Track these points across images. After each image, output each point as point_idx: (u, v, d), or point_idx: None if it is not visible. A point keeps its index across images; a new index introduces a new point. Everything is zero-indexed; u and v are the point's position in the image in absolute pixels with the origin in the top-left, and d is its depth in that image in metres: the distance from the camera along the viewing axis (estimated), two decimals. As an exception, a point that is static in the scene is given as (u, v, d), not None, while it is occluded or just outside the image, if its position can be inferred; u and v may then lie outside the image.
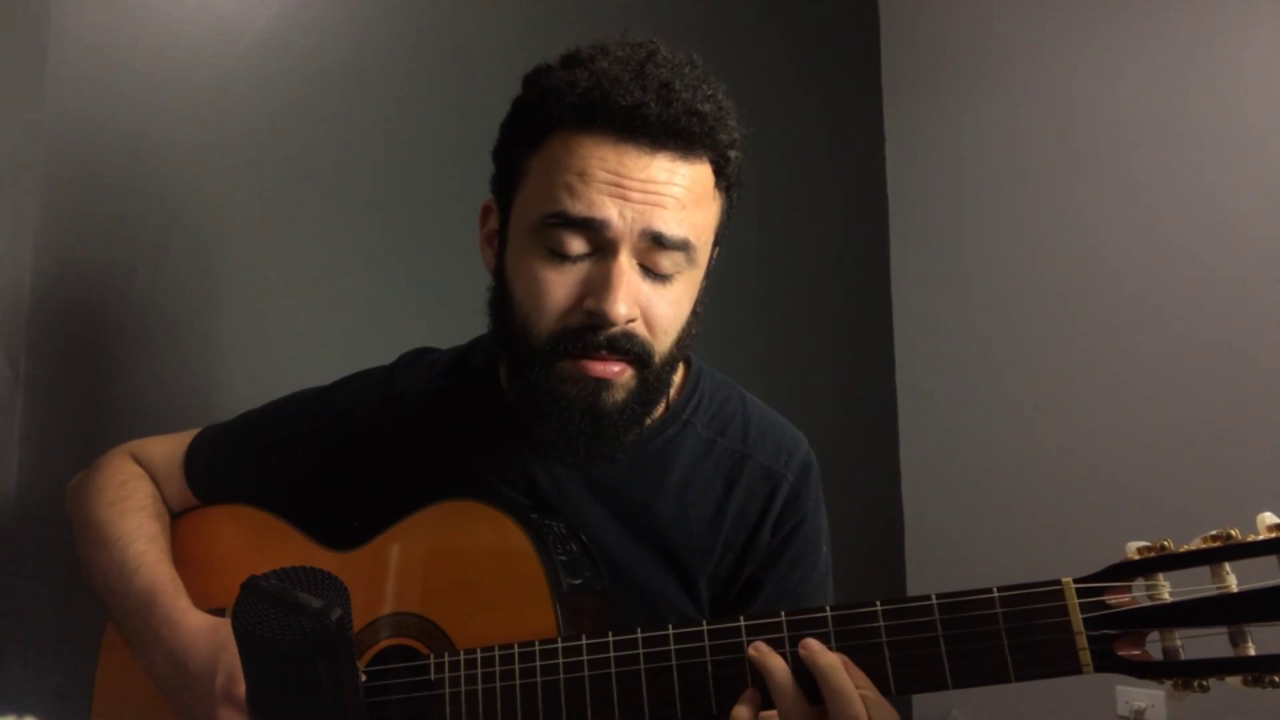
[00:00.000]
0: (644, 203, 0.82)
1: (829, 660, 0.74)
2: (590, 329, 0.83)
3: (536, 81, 0.88)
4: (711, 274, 0.95)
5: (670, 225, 0.83)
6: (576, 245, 0.83)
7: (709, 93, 0.86)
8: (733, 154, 0.89)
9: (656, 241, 0.83)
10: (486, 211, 0.95)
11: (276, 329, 1.48)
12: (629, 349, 0.85)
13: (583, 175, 0.82)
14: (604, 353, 0.84)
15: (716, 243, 0.95)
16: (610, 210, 0.81)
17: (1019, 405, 2.49)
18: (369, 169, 1.60)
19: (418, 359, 1.07)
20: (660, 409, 0.98)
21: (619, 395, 0.86)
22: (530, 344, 0.86)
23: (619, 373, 0.85)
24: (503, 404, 0.97)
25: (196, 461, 1.07)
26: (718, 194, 0.90)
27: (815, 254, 2.56)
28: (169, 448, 1.09)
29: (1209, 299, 2.18)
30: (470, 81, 1.71)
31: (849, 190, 2.72)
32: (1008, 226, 2.56)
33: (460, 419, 1.00)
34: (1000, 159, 2.58)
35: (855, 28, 2.83)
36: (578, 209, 0.81)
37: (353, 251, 1.58)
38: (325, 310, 1.54)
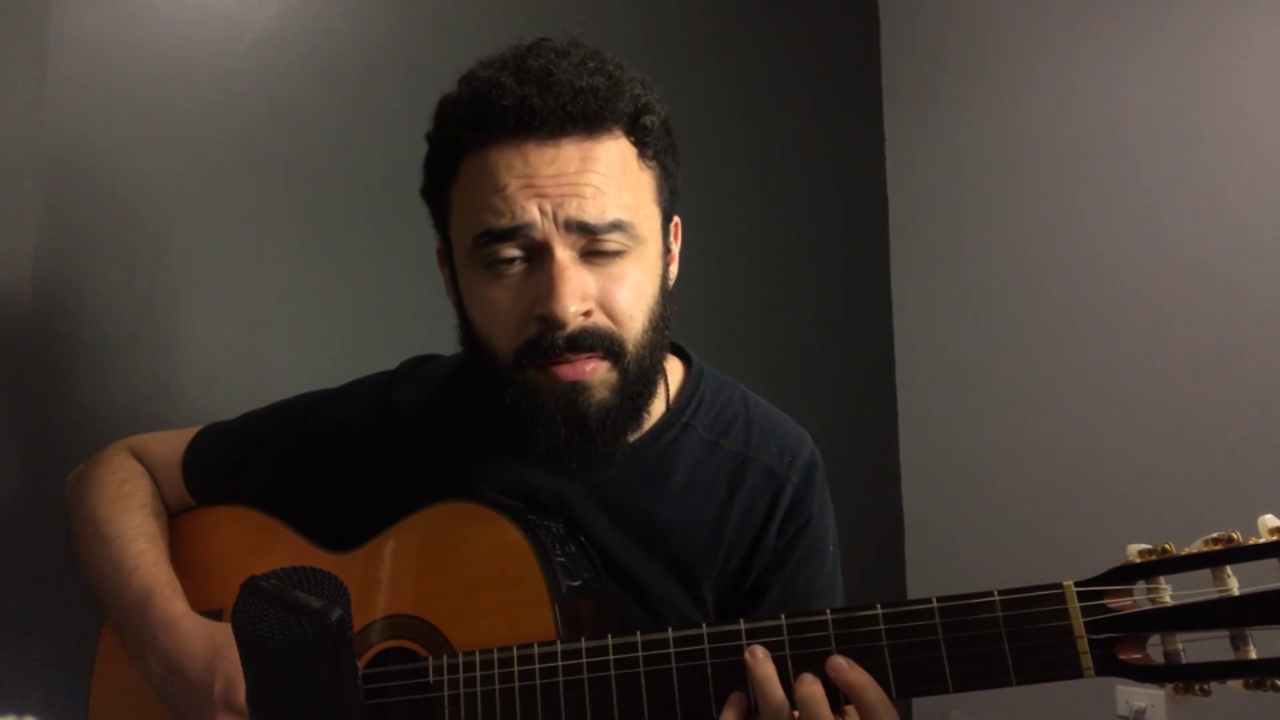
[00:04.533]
0: (560, 194, 0.81)
1: (861, 678, 0.74)
2: (546, 334, 0.83)
3: (436, 114, 0.89)
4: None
5: (592, 212, 0.82)
6: (511, 252, 0.83)
7: (595, 67, 0.84)
8: (647, 120, 0.87)
9: (586, 231, 0.82)
10: (440, 255, 0.96)
11: (276, 329, 1.48)
12: (593, 343, 0.84)
13: (496, 188, 0.82)
14: (568, 355, 0.83)
15: (670, 215, 0.94)
16: (532, 212, 0.81)
17: (1019, 405, 2.49)
18: (369, 169, 1.59)
19: (417, 368, 1.07)
20: (659, 412, 0.97)
21: (599, 394, 0.85)
22: (498, 365, 0.86)
23: (591, 371, 0.84)
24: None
25: (195, 461, 1.07)
26: (645, 165, 0.88)
27: (815, 254, 2.56)
28: (169, 446, 1.09)
29: (1209, 299, 2.18)
30: (470, 81, 1.70)
31: (849, 190, 2.72)
32: (1008, 226, 2.55)
33: (457, 431, 1.00)
34: (1000, 159, 2.58)
35: (855, 28, 2.83)
36: (502, 222, 0.82)
37: (352, 252, 1.58)
38: (325, 310, 1.54)
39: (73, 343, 1.28)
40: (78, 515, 1.05)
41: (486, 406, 0.92)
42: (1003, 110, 2.58)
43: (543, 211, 0.81)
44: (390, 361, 1.09)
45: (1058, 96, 2.47)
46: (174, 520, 1.07)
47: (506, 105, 0.81)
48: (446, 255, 0.93)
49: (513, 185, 0.81)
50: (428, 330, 1.21)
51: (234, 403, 1.14)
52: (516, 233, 0.82)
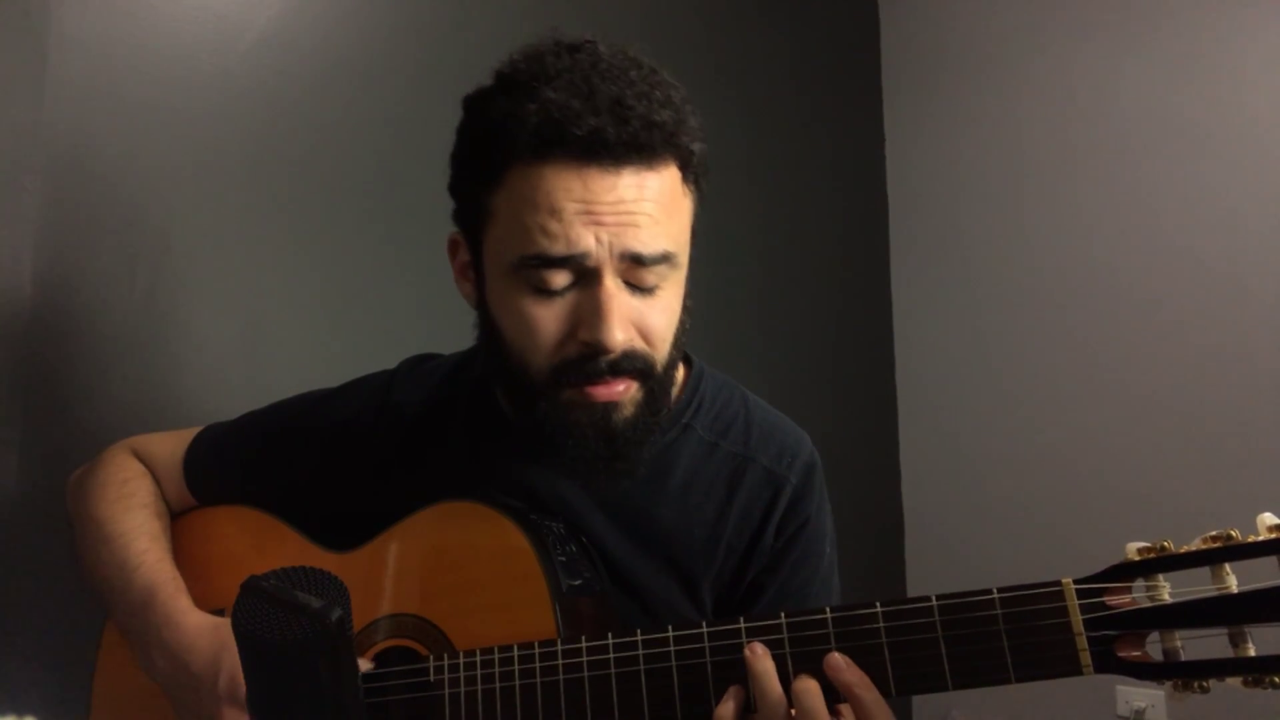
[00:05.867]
0: (618, 224, 0.80)
1: (857, 677, 0.74)
2: (589, 358, 0.83)
3: (481, 112, 0.85)
4: (698, 264, 0.93)
5: (647, 244, 0.81)
6: (560, 280, 0.82)
7: (662, 97, 0.83)
8: (696, 148, 0.86)
9: (636, 261, 0.82)
10: (454, 245, 0.94)
11: (276, 329, 1.48)
12: (631, 367, 0.84)
13: (554, 211, 0.80)
14: (608, 378, 0.83)
15: (693, 233, 0.93)
16: (588, 240, 0.80)
17: (1019, 405, 2.49)
18: (369, 169, 1.60)
19: (417, 367, 1.07)
20: None
21: (628, 411, 0.86)
22: (531, 380, 0.85)
23: (624, 391, 0.85)
24: (500, 416, 0.97)
25: (197, 461, 1.07)
26: (687, 190, 0.88)
27: (815, 254, 2.56)
28: (170, 446, 1.09)
29: (1209, 299, 2.18)
30: (471, 81, 1.70)
31: (849, 190, 2.72)
32: (1008, 226, 2.56)
33: (458, 431, 1.00)
34: (1000, 159, 2.58)
35: (855, 28, 2.83)
36: (557, 249, 0.80)
37: (353, 252, 1.58)
38: (325, 311, 1.54)
39: (73, 343, 1.28)
40: (80, 515, 1.05)
41: (509, 406, 0.92)
42: (1003, 110, 2.58)
43: (598, 240, 0.80)
44: (390, 361, 1.09)
45: (1057, 96, 2.47)
46: (176, 520, 1.07)
47: (579, 135, 0.78)
48: (474, 259, 0.90)
49: (570, 210, 0.79)
50: (428, 330, 1.21)
51: (234, 403, 1.14)
52: (570, 260, 0.80)
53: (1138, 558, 0.70)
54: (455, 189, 0.90)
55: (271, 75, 1.50)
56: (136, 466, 1.08)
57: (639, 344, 0.85)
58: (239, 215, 1.45)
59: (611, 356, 0.83)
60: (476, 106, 0.87)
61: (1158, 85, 2.29)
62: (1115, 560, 0.71)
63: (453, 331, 1.08)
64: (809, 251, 2.54)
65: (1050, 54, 2.50)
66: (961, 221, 2.65)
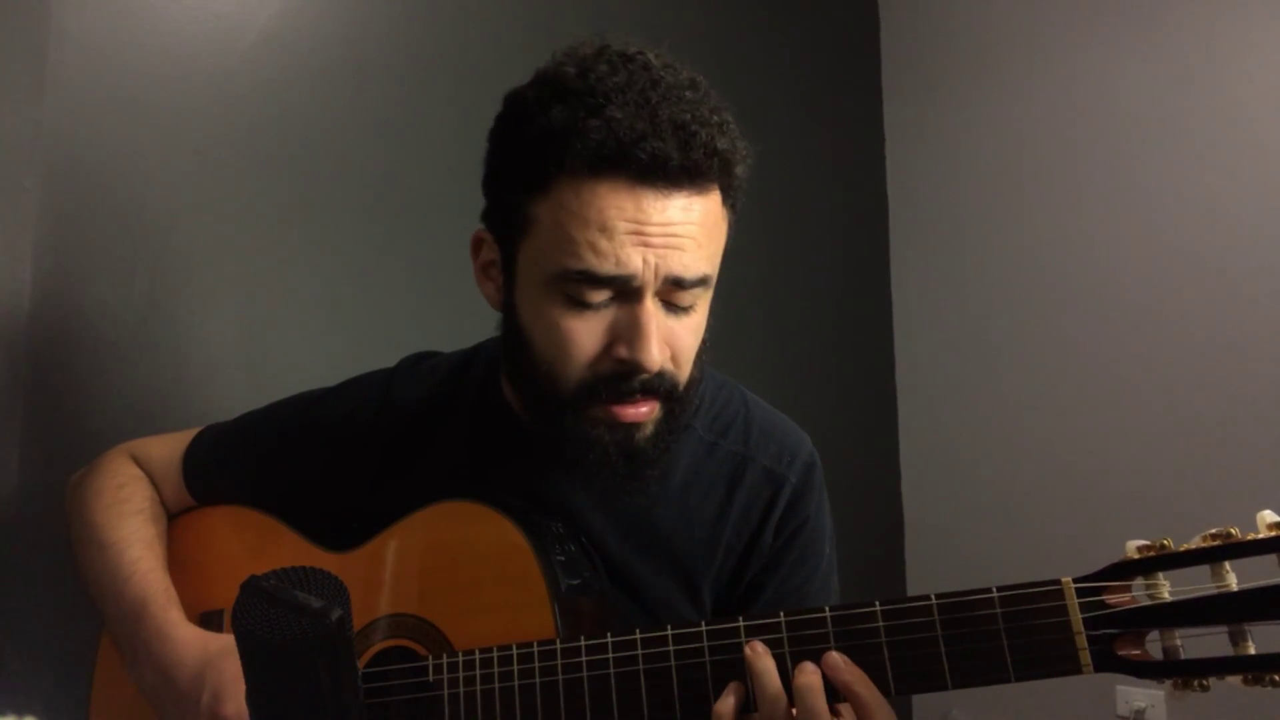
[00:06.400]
0: (665, 246, 0.80)
1: (855, 676, 0.74)
2: (622, 376, 0.83)
3: (530, 117, 0.82)
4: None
5: (689, 267, 0.81)
6: (600, 296, 0.81)
7: (720, 121, 0.83)
8: (741, 172, 0.87)
9: (677, 284, 0.82)
10: (478, 243, 0.92)
11: (276, 330, 1.48)
12: (660, 386, 0.84)
13: (605, 229, 0.79)
14: (637, 397, 0.84)
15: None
16: (636, 262, 0.79)
17: (1019, 404, 2.49)
18: (369, 169, 1.60)
19: (416, 365, 1.07)
20: None
21: (649, 430, 0.86)
22: (558, 392, 0.85)
23: (648, 412, 0.85)
24: (503, 415, 0.97)
25: (195, 462, 1.07)
26: (725, 211, 0.88)
27: (815, 254, 2.56)
28: (169, 448, 1.09)
29: (1209, 299, 2.18)
30: (471, 81, 1.71)
31: (849, 190, 2.72)
32: (1008, 226, 2.55)
33: (460, 429, 0.99)
34: (1000, 159, 2.58)
35: (855, 28, 2.83)
36: (605, 267, 0.79)
37: (352, 252, 1.58)
38: (325, 311, 1.54)
39: (73, 343, 1.28)
40: (76, 521, 1.05)
41: (534, 422, 0.92)
42: (1003, 110, 2.58)
43: (645, 262, 0.79)
44: (390, 361, 1.09)
45: (1058, 97, 2.47)
46: (174, 520, 1.07)
47: (644, 159, 0.78)
48: (504, 262, 0.89)
49: (621, 229, 0.79)
50: (427, 332, 1.21)
51: (234, 403, 1.14)
52: (617, 280, 0.80)
53: (1137, 556, 0.70)
54: (491, 189, 0.89)
55: (271, 75, 1.50)
56: (133, 470, 1.07)
57: (669, 365, 0.85)
58: (239, 215, 1.45)
59: (645, 376, 0.82)
60: (524, 109, 0.83)
61: (1158, 85, 2.29)
62: (1115, 559, 0.71)
63: (453, 331, 1.08)
64: (809, 252, 2.54)
65: (1050, 54, 2.49)
66: (961, 221, 2.65)
